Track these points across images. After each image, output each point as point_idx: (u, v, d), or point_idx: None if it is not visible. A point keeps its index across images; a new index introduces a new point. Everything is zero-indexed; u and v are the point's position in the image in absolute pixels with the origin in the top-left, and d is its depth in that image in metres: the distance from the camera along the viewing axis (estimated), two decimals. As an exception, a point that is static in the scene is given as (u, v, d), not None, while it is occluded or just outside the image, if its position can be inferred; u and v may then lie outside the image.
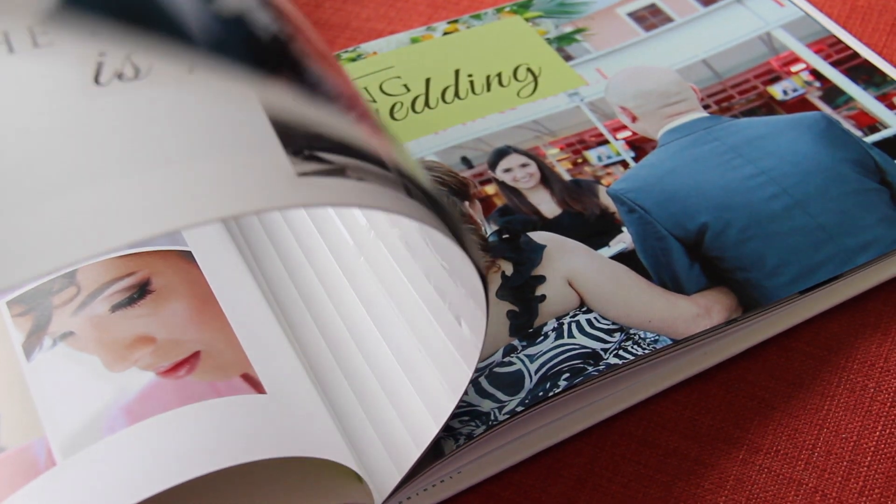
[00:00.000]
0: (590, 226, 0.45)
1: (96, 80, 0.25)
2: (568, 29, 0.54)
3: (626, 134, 0.49)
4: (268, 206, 0.24)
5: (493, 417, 0.37)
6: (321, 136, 0.26)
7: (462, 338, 0.32)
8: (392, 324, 0.37)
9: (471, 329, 0.31)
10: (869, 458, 0.39)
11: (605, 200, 0.46)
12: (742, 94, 0.51)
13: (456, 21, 0.55)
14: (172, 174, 0.23)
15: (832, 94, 0.50)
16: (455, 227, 0.28)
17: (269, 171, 0.24)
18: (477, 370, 0.36)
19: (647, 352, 0.39)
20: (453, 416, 0.34)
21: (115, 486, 0.31)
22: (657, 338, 0.40)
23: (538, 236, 0.44)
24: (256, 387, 0.34)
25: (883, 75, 0.51)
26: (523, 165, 0.47)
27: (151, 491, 0.30)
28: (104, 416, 0.33)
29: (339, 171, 0.25)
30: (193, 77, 0.26)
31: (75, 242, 0.22)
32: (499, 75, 0.52)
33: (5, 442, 0.33)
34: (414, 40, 0.54)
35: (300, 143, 0.25)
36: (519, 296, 0.41)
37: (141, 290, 0.36)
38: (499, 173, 0.47)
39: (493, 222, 0.45)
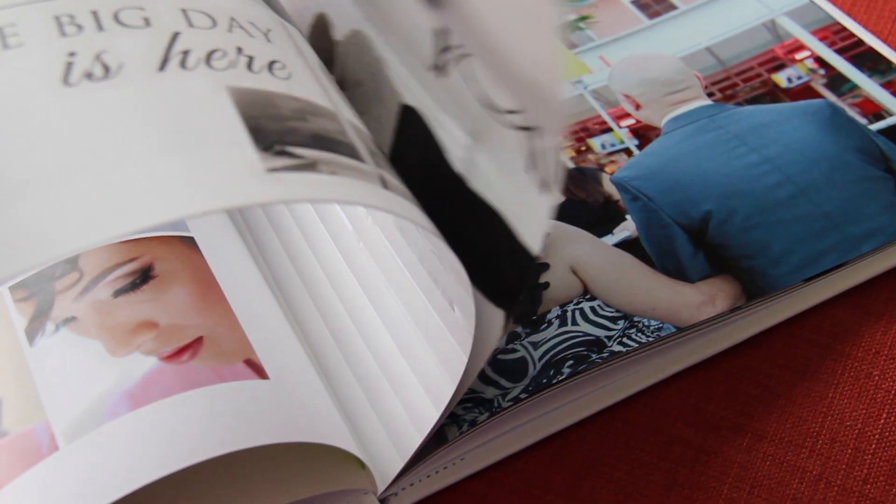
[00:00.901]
0: (593, 213, 0.44)
1: (65, 81, 0.25)
2: (571, 16, 0.54)
3: (630, 122, 0.49)
4: (234, 204, 0.23)
5: (496, 404, 0.37)
6: (294, 129, 0.26)
7: (456, 323, 0.32)
8: (391, 309, 0.37)
9: (463, 314, 0.31)
10: (874, 446, 0.39)
11: (609, 188, 0.45)
12: (746, 82, 0.50)
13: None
14: (138, 174, 0.23)
15: (837, 82, 0.50)
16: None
17: (237, 167, 0.24)
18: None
19: (651, 339, 0.39)
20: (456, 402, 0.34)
21: (118, 471, 0.31)
22: (661, 325, 0.39)
23: (542, 224, 0.44)
24: (259, 372, 0.34)
25: (888, 63, 0.51)
26: (527, 153, 0.47)
27: (153, 476, 0.30)
28: (107, 401, 0.33)
29: (311, 166, 0.25)
30: (163, 74, 0.25)
31: (43, 243, 0.22)
32: (502, 63, 0.51)
33: (8, 427, 0.33)
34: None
35: (271, 137, 0.25)
36: (522, 283, 0.41)
37: (143, 276, 0.36)
38: (502, 161, 0.47)
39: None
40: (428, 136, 0.30)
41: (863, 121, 0.48)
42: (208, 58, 0.27)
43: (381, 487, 0.35)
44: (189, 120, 0.25)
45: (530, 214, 0.27)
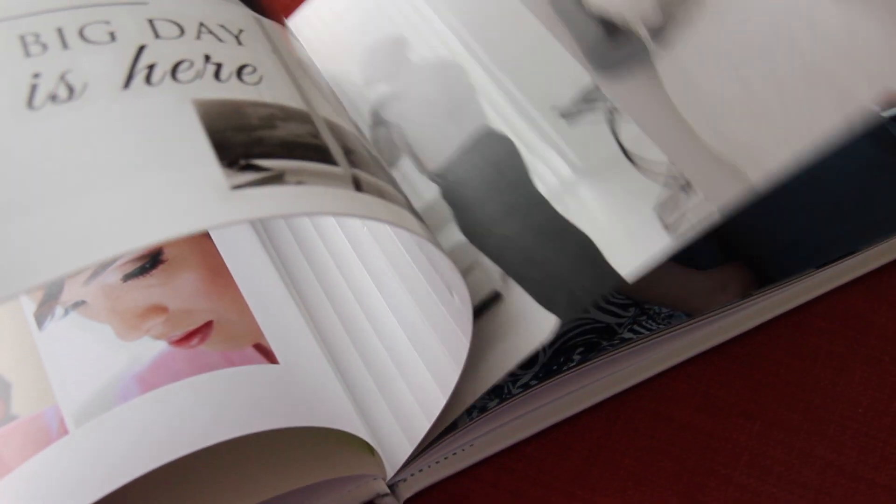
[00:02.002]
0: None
1: (30, 104, 0.24)
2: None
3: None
4: (196, 228, 0.23)
5: (506, 391, 0.37)
6: (262, 139, 0.25)
7: (456, 308, 0.32)
8: (396, 293, 0.37)
9: (460, 300, 0.31)
10: (885, 433, 0.38)
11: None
12: (757, 69, 0.50)
13: None
14: (99, 202, 0.23)
15: (849, 69, 0.50)
16: (415, 212, 0.29)
17: (199, 187, 0.23)
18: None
19: (661, 327, 0.39)
20: (466, 388, 0.34)
21: (127, 454, 0.31)
22: (672, 313, 0.39)
23: (551, 210, 0.44)
24: (269, 357, 0.34)
25: (900, 50, 0.50)
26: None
27: (163, 460, 0.30)
28: (116, 384, 0.33)
29: (277, 178, 0.24)
30: (128, 93, 0.25)
31: (5, 276, 0.21)
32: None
33: (18, 410, 0.33)
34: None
35: (237, 151, 0.25)
36: (532, 269, 0.41)
37: (153, 260, 0.36)
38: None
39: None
40: (513, 158, 0.33)
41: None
42: (174, 70, 0.26)
43: (390, 473, 0.35)
44: (153, 140, 0.24)
45: (635, 245, 0.29)
